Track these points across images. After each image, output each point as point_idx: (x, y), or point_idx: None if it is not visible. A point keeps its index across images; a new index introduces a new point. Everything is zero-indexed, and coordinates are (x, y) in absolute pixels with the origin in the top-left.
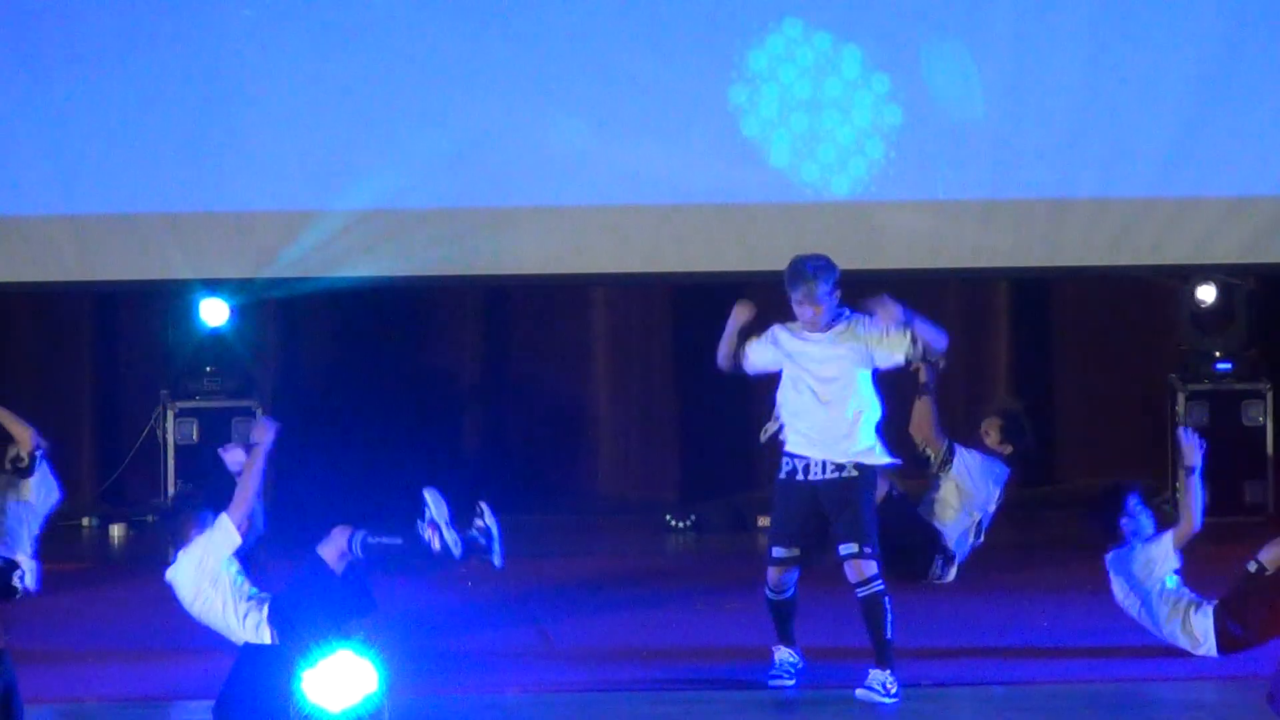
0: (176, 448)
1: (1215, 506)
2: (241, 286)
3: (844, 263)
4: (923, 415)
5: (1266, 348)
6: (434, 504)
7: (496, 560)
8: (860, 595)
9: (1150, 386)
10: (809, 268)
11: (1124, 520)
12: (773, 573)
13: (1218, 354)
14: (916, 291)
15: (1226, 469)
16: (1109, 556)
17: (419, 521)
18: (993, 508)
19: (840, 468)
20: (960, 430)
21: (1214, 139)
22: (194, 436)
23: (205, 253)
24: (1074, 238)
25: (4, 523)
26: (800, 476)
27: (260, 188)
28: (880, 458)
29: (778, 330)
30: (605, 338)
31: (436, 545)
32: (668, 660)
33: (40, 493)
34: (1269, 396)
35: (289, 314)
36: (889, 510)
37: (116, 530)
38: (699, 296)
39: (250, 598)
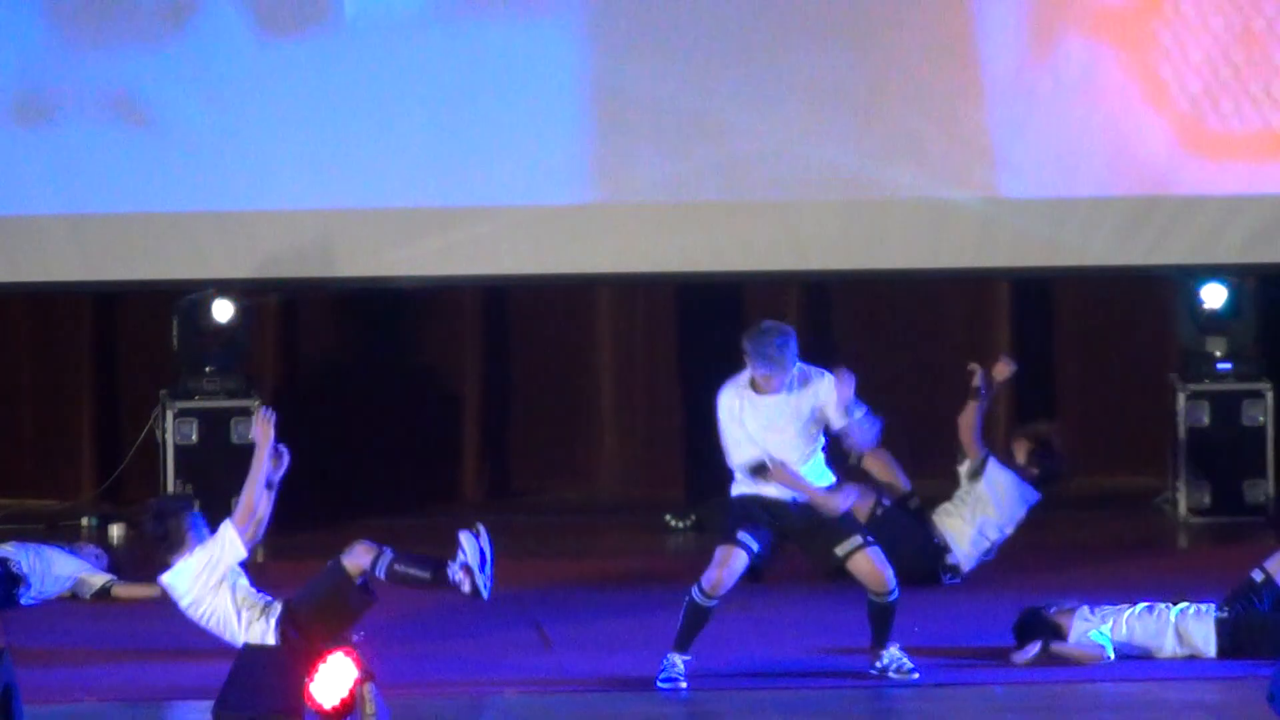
0: (176, 448)
1: (1215, 506)
2: (241, 286)
3: (844, 262)
4: (967, 420)
5: (1267, 348)
6: (469, 548)
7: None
8: (877, 602)
9: (1150, 386)
10: (776, 346)
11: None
12: (712, 576)
13: (1218, 354)
14: (916, 291)
15: (1226, 469)
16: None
17: (451, 563)
18: (1011, 530)
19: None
20: (957, 428)
21: (1214, 139)
22: (194, 436)
23: (205, 253)
24: (1074, 238)
25: (56, 573)
26: (767, 497)
27: (260, 188)
28: (829, 478)
29: (730, 403)
30: (608, 337)
31: (467, 589)
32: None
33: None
34: (1269, 396)
35: (289, 314)
36: (889, 523)
37: (116, 530)
38: (702, 296)
39: (254, 604)
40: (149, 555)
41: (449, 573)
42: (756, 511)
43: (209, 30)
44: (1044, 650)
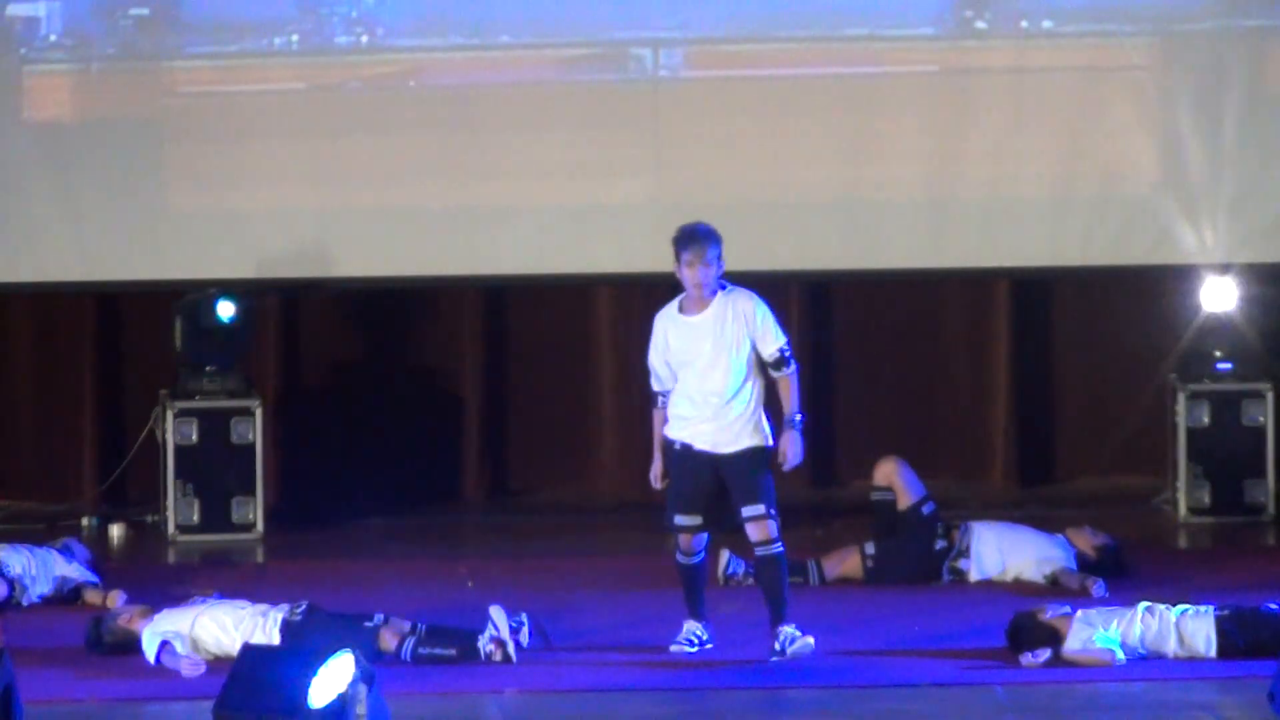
0: (176, 448)
1: (1215, 506)
2: (242, 286)
3: (844, 263)
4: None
5: (1267, 348)
6: (500, 621)
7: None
8: (761, 554)
9: (1150, 386)
10: (700, 230)
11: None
12: (683, 539)
13: (1218, 354)
14: (916, 291)
15: (1226, 469)
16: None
17: (480, 635)
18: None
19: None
20: (957, 428)
21: (1214, 139)
22: (194, 437)
23: (206, 253)
24: (1074, 238)
25: (37, 569)
26: (696, 448)
27: (260, 188)
28: (768, 436)
29: (658, 325)
30: (607, 337)
31: (498, 658)
32: (668, 660)
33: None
34: (1269, 396)
35: (289, 314)
36: (912, 521)
37: (116, 530)
38: None
39: (248, 619)
40: (152, 549)
41: (479, 646)
42: (689, 473)
43: (209, 30)
44: (1055, 656)
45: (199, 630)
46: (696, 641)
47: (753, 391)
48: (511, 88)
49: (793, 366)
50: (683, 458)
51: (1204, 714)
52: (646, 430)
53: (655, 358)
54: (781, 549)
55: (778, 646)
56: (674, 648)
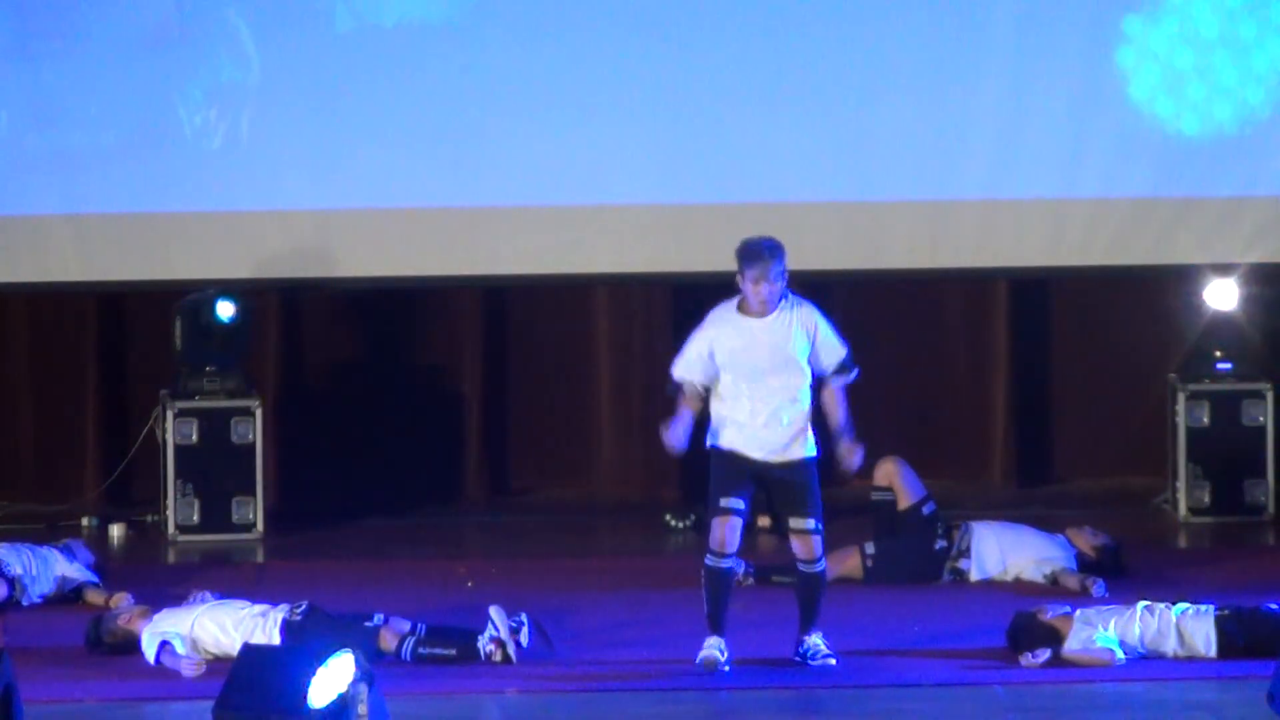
0: (176, 448)
1: (1215, 506)
2: (242, 286)
3: (844, 263)
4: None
5: (1267, 348)
6: (499, 621)
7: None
8: (803, 570)
9: (1150, 386)
10: (765, 247)
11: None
12: (718, 526)
13: (1218, 354)
14: (916, 291)
15: (1226, 469)
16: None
17: (480, 635)
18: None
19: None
20: (957, 428)
21: (1214, 139)
22: (194, 437)
23: (206, 253)
24: (1074, 238)
25: (38, 569)
26: (745, 456)
27: (261, 188)
28: (812, 448)
29: (710, 334)
30: (606, 338)
31: (498, 658)
32: (668, 660)
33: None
34: (1269, 396)
35: (289, 314)
36: (912, 521)
37: (116, 530)
38: (700, 297)
39: (247, 619)
40: (152, 549)
41: (478, 646)
42: (736, 469)
43: (211, 32)
44: (1055, 656)
45: (199, 631)
46: (718, 665)
47: (807, 403)
48: (512, 87)
49: (854, 372)
50: (731, 459)
51: (1204, 714)
52: (648, 431)
53: (700, 352)
54: (823, 566)
55: (802, 650)
56: (706, 667)
